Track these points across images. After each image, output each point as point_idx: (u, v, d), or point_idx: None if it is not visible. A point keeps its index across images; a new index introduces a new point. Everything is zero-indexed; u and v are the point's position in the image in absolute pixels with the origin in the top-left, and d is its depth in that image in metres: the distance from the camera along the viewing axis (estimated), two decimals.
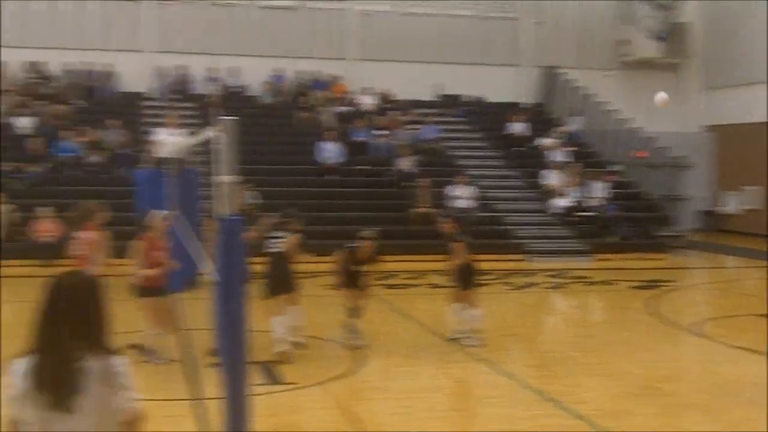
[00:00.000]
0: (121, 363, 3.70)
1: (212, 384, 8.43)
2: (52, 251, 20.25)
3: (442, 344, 12.33)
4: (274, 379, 10.17)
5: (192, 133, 17.47)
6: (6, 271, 19.01)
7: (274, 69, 29.27)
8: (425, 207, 23.39)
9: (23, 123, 25.06)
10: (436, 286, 18.16)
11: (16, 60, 27.64)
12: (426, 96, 29.83)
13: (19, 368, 3.64)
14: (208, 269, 9.70)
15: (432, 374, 10.80)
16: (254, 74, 29.06)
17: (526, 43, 31.82)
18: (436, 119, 28.44)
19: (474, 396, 10.07)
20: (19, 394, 3.61)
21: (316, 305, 14.44)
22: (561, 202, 24.97)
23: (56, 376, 3.55)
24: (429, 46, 30.74)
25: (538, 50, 31.74)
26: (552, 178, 25.78)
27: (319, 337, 12.72)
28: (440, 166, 26.16)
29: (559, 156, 26.82)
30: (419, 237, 23.00)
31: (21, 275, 18.51)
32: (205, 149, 20.94)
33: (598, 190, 25.30)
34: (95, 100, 27.72)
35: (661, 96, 14.51)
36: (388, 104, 29.03)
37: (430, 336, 13.02)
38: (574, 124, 29.29)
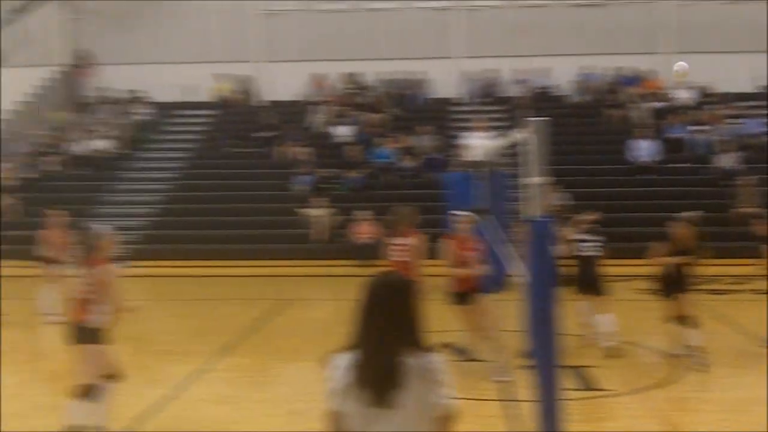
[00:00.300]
0: (439, 360, 3.73)
1: (524, 386, 8.30)
2: (370, 252, 21.19)
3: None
4: (587, 384, 9.87)
5: (500, 136, 17.48)
6: (326, 270, 20.06)
7: (582, 67, 28.73)
8: (749, 207, 21.87)
9: (342, 131, 26.40)
10: (761, 291, 16.94)
11: (334, 72, 29.29)
12: (748, 88, 27.96)
13: (341, 363, 3.72)
14: (518, 271, 9.60)
15: (758, 385, 10.01)
16: (562, 73, 28.71)
17: None
18: (760, 112, 26.54)
19: None
20: (340, 388, 3.69)
21: (629, 310, 13.91)
22: None
23: (379, 372, 3.62)
24: (750, 34, 28.76)
25: None
26: None
27: (634, 343, 12.22)
28: (765, 163, 24.39)
29: None
30: (742, 239, 21.56)
31: (341, 275, 19.47)
32: (514, 151, 21.10)
33: None
34: (408, 108, 28.66)
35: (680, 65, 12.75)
36: (706, 98, 27.56)
37: (755, 345, 12.10)
38: None
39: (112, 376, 7.78)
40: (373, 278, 3.84)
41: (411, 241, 10.48)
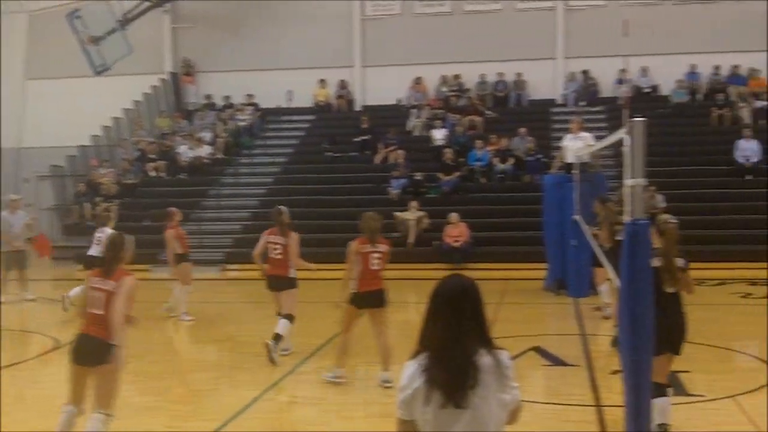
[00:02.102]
0: (507, 356, 3.76)
1: (616, 391, 8.10)
2: (462, 256, 21.11)
3: None
4: (680, 389, 9.58)
5: (600, 137, 17.17)
6: (418, 273, 20.02)
7: (687, 65, 28.01)
8: None
9: (439, 134, 26.33)
10: None
11: (434, 75, 29.27)
12: None
13: (413, 367, 3.73)
14: (611, 273, 9.39)
15: None
16: (667, 73, 28.03)
17: None
18: None
19: None
20: (411, 393, 3.70)
21: (728, 314, 13.48)
22: None
23: (453, 372, 3.62)
24: None
25: None
26: None
27: (729, 348, 11.82)
28: None
29: None
30: None
31: (433, 278, 19.35)
32: (615, 152, 20.73)
33: None
34: (507, 110, 28.44)
35: None
36: None
37: None
38: None
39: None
40: (442, 281, 3.89)
41: (384, 248, 10.21)
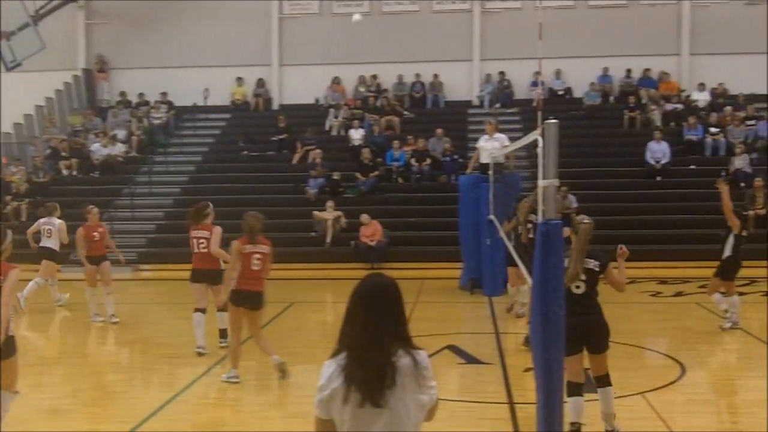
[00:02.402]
0: (425, 357, 3.75)
1: (529, 388, 8.24)
2: (379, 255, 21.21)
3: None
4: (590, 387, 9.78)
5: (514, 139, 17.42)
6: (336, 273, 20.08)
7: (601, 69, 28.60)
8: (761, 208, 21.68)
9: (357, 135, 26.38)
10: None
11: (350, 75, 29.30)
12: (765, 89, 27.73)
13: (332, 367, 3.72)
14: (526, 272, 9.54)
15: (763, 387, 9.89)
16: (580, 76, 28.58)
17: None
18: None
19: None
20: (330, 392, 3.69)
21: (639, 312, 13.80)
22: None
23: (372, 372, 3.61)
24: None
25: None
26: None
27: (639, 346, 12.12)
28: None
29: None
30: (754, 241, 21.40)
31: (350, 278, 19.43)
32: (529, 153, 21.04)
33: None
34: (424, 110, 28.63)
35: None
36: (723, 100, 27.37)
37: (761, 347, 11.95)
38: None
39: None
40: (362, 280, 3.87)
41: (265, 248, 10.31)
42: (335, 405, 3.68)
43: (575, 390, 7.52)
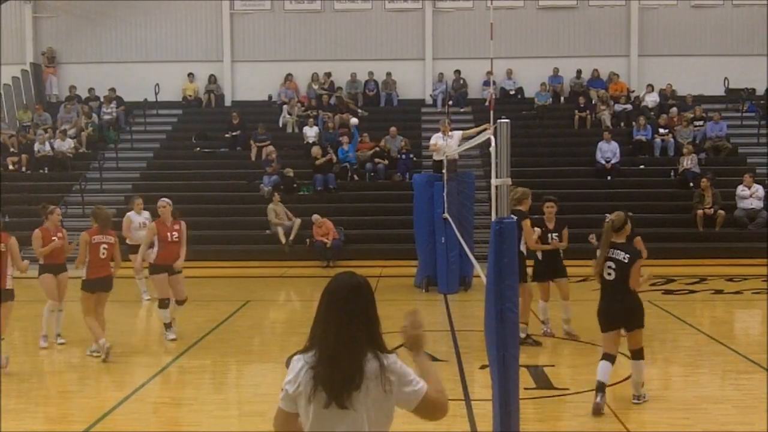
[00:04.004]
0: (395, 360, 3.72)
1: (485, 385, 8.32)
2: (333, 253, 21.23)
3: (726, 353, 11.51)
4: (546, 383, 9.91)
5: (468, 138, 17.52)
6: (290, 271, 20.04)
7: (551, 69, 28.89)
8: (710, 208, 22.07)
9: (311, 132, 26.32)
10: (719, 291, 17.10)
11: (303, 72, 29.26)
12: (713, 91, 28.24)
13: (300, 363, 3.70)
14: (481, 271, 9.62)
15: (714, 384, 10.10)
16: (532, 76, 28.84)
17: None
18: (723, 115, 26.83)
19: (762, 409, 9.24)
20: (296, 388, 3.68)
21: (589, 309, 13.92)
22: None
23: (340, 373, 3.60)
24: (715, 38, 29.04)
25: None
26: None
27: (591, 343, 12.28)
28: (727, 165, 24.67)
29: None
30: (702, 240, 21.82)
31: (304, 275, 19.47)
32: (482, 152, 21.18)
33: None
34: (377, 109, 28.68)
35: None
36: (671, 101, 27.80)
37: (712, 344, 12.18)
38: None
39: None
40: (335, 278, 3.83)
41: (111, 239, 11.52)
42: (301, 401, 3.68)
43: (608, 358, 8.72)
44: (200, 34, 29.89)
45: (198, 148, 26.74)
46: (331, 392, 3.60)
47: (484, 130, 11.99)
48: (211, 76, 29.71)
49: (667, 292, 16.63)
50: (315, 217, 21.63)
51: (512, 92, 28.96)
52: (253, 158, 25.69)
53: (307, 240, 21.58)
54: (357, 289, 3.75)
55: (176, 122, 28.90)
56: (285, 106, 28.30)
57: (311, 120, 26.81)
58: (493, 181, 6.58)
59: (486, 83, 28.50)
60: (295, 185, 23.93)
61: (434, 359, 11.04)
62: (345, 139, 25.35)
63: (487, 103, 26.50)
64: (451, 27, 29.56)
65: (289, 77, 29.29)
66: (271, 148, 25.21)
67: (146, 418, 8.88)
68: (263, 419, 8.73)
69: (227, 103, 29.76)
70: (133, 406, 9.14)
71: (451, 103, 27.75)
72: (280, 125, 27.87)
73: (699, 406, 9.03)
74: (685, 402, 9.21)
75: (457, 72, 28.98)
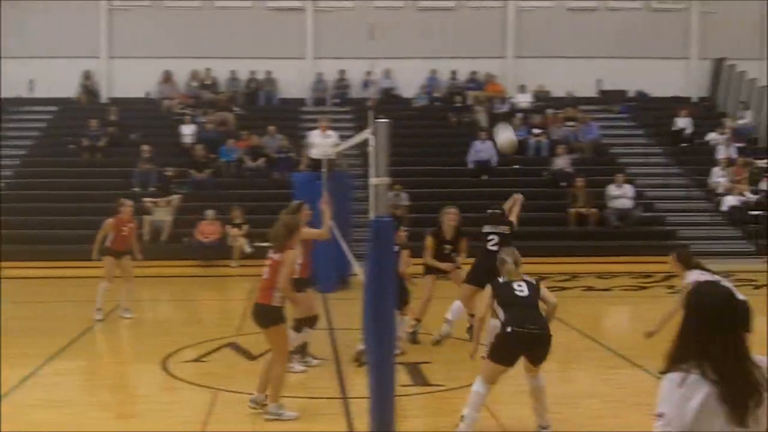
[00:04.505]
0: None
1: (362, 383, 8.42)
2: (213, 253, 21.06)
3: (597, 348, 11.94)
4: (422, 380, 10.09)
5: (348, 137, 17.64)
6: (167, 270, 19.76)
7: (429, 70, 29.30)
8: (583, 207, 22.81)
9: (189, 130, 25.98)
10: (591, 288, 17.67)
11: (182, 69, 28.85)
12: (586, 92, 29.15)
13: (687, 380, 3.44)
14: (359, 270, 9.72)
15: (585, 379, 10.47)
16: (410, 77, 29.16)
17: (694, 35, 30.42)
18: (596, 116, 27.74)
19: (631, 403, 9.64)
20: (692, 409, 3.41)
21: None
22: (729, 201, 23.83)
23: (748, 388, 3.42)
24: (589, 40, 29.96)
25: (706, 41, 30.30)
26: (720, 176, 24.67)
27: (466, 339, 12.56)
28: (600, 165, 25.52)
29: (727, 152, 25.64)
30: (575, 238, 22.53)
31: (182, 275, 19.24)
32: (362, 152, 21.32)
33: None
34: (257, 107, 28.54)
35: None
36: (545, 102, 28.57)
37: (585, 340, 12.62)
38: (744, 118, 27.97)
39: None
40: (708, 287, 3.70)
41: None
42: (698, 422, 3.42)
43: None
44: (77, 29, 29.08)
45: (73, 146, 26.05)
46: (741, 410, 3.39)
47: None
48: (87, 71, 29.01)
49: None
50: (209, 212, 21.45)
51: (392, 92, 29.21)
52: (130, 156, 25.18)
53: (185, 239, 21.32)
54: (732, 299, 3.58)
55: (51, 119, 28.08)
56: (164, 103, 27.87)
57: (189, 118, 26.46)
58: (372, 180, 6.66)
59: (366, 83, 28.70)
60: (172, 184, 23.57)
61: (313, 357, 11.10)
62: (224, 137, 25.13)
63: (369, 104, 26.70)
64: (332, 26, 29.63)
65: (167, 74, 28.83)
66: (147, 146, 24.73)
67: (18, 420, 8.64)
68: (138, 421, 8.65)
69: (104, 99, 29.09)
70: (4, 410, 8.89)
71: (332, 103, 27.88)
72: (159, 123, 27.40)
73: (570, 400, 9.33)
74: (557, 397, 9.49)
75: (342, 72, 29.07)
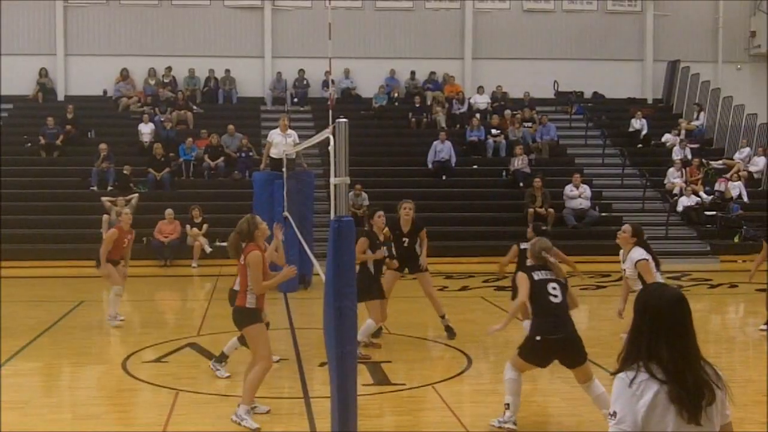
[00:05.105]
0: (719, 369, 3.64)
1: (323, 382, 8.45)
2: (172, 252, 20.96)
3: None
4: (383, 379, 10.14)
5: (308, 137, 17.64)
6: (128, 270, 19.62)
7: (389, 70, 29.38)
8: (540, 207, 23.02)
9: (147, 129, 25.82)
10: None
11: (140, 67, 28.65)
12: (543, 93, 29.41)
13: (636, 379, 3.52)
14: (319, 269, 9.74)
15: (545, 377, 10.56)
16: (369, 76, 29.23)
17: (649, 37, 30.85)
18: (553, 117, 28.02)
19: (590, 401, 9.77)
20: (643, 407, 3.49)
21: (420, 306, 14.35)
22: (684, 202, 24.20)
23: (698, 387, 3.49)
24: (546, 42, 30.25)
25: (660, 44, 30.76)
26: (675, 177, 25.04)
27: (424, 338, 12.64)
28: (557, 165, 25.78)
29: (682, 153, 26.03)
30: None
31: (140, 275, 19.08)
32: (320, 152, 21.36)
33: (723, 189, 24.44)
34: (216, 106, 28.43)
35: None
36: (503, 103, 28.79)
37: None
38: (699, 120, 28.41)
39: None
40: (656, 289, 3.71)
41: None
42: (648, 421, 3.50)
43: None
44: (32, 26, 28.82)
45: (29, 144, 25.76)
46: (691, 408, 3.47)
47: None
48: (43, 69, 28.69)
49: (500, 288, 17.22)
50: (168, 212, 21.34)
51: (351, 92, 29.29)
52: (87, 155, 24.97)
53: (144, 239, 21.19)
54: (683, 299, 3.63)
55: (6, 117, 27.74)
56: (121, 101, 27.67)
57: (146, 116, 26.29)
58: (332, 180, 6.69)
59: (325, 83, 28.71)
60: (131, 183, 23.42)
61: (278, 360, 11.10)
62: (183, 136, 25.03)
63: (329, 103, 26.71)
64: (291, 26, 29.63)
65: (124, 72, 28.62)
66: (104, 144, 24.55)
67: None
68: (98, 421, 8.60)
69: (60, 97, 28.79)
70: None
71: (292, 102, 27.85)
72: (117, 121, 27.19)
73: (530, 398, 9.42)
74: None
75: (302, 71, 29.04)
